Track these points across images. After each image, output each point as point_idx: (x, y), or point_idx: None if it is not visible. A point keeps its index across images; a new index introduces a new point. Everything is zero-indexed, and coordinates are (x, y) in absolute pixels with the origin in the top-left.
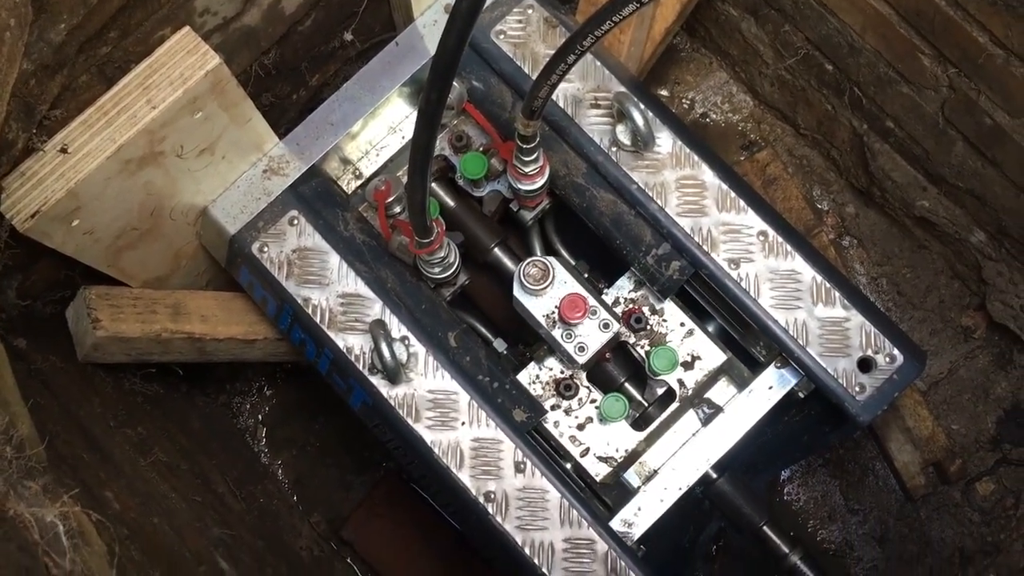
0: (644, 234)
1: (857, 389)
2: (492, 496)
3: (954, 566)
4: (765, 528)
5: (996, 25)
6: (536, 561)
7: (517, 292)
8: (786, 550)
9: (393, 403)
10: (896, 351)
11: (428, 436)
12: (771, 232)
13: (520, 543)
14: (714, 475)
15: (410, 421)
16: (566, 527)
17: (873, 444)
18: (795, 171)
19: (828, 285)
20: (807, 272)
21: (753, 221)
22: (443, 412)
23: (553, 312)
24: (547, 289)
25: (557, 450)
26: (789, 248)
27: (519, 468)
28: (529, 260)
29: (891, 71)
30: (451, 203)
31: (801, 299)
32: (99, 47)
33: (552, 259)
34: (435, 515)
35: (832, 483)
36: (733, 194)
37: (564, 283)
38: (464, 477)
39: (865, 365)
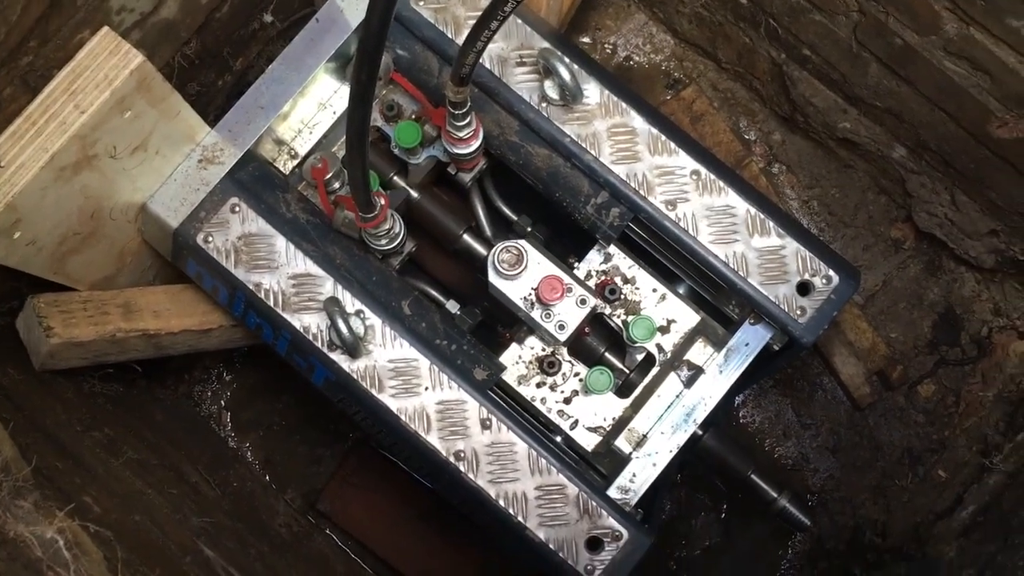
0: (582, 185)
1: (798, 312)
2: (462, 455)
3: (904, 466)
4: (752, 476)
5: None
6: (511, 511)
7: (492, 278)
8: (774, 495)
9: (355, 376)
10: (831, 272)
11: (393, 404)
12: (703, 171)
13: (494, 496)
14: (700, 432)
15: (374, 392)
16: (536, 475)
17: (819, 361)
18: (720, 105)
19: (762, 216)
20: (741, 205)
21: (685, 162)
22: (405, 380)
23: (530, 294)
24: (522, 273)
25: (547, 425)
26: (722, 184)
27: (485, 425)
28: (501, 246)
29: (802, 0)
30: (415, 195)
31: (738, 232)
32: (20, 58)
33: (523, 242)
34: (408, 478)
35: (784, 402)
36: (663, 137)
37: (538, 264)
38: (433, 440)
39: (803, 289)
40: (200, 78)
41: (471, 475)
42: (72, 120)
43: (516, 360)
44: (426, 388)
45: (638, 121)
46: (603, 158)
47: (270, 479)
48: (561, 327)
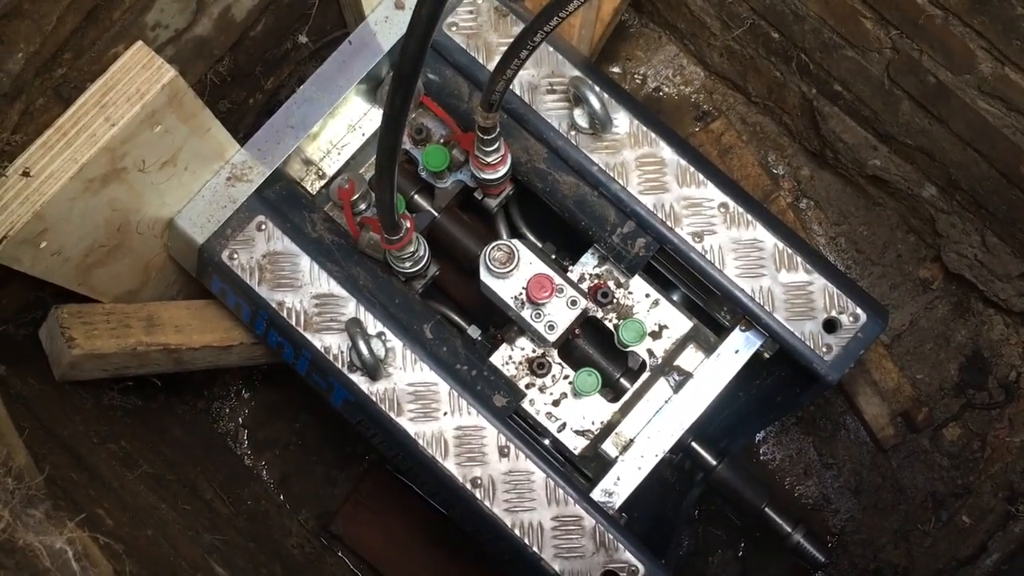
0: (608, 214)
1: (824, 350)
2: (479, 482)
3: (927, 511)
4: (767, 510)
5: None
6: (526, 541)
7: (484, 276)
8: (788, 529)
9: (375, 399)
10: (859, 310)
11: (411, 428)
12: (731, 203)
13: (509, 525)
14: (713, 462)
15: (393, 415)
16: (553, 506)
17: (842, 399)
18: (749, 138)
19: (789, 251)
20: (769, 240)
21: (713, 194)
22: (424, 404)
23: (521, 293)
24: (513, 271)
25: (535, 427)
26: (750, 218)
27: (503, 452)
28: (494, 244)
29: (835, 36)
30: (435, 214)
31: (765, 266)
32: (54, 69)
33: (516, 241)
34: (422, 502)
35: (806, 440)
36: (692, 169)
37: (529, 264)
38: (450, 466)
39: (830, 326)
40: (231, 96)
41: (487, 503)
42: (102, 132)
43: (506, 361)
44: (445, 413)
45: (667, 152)
46: (631, 188)
47: (284, 499)
48: (551, 327)
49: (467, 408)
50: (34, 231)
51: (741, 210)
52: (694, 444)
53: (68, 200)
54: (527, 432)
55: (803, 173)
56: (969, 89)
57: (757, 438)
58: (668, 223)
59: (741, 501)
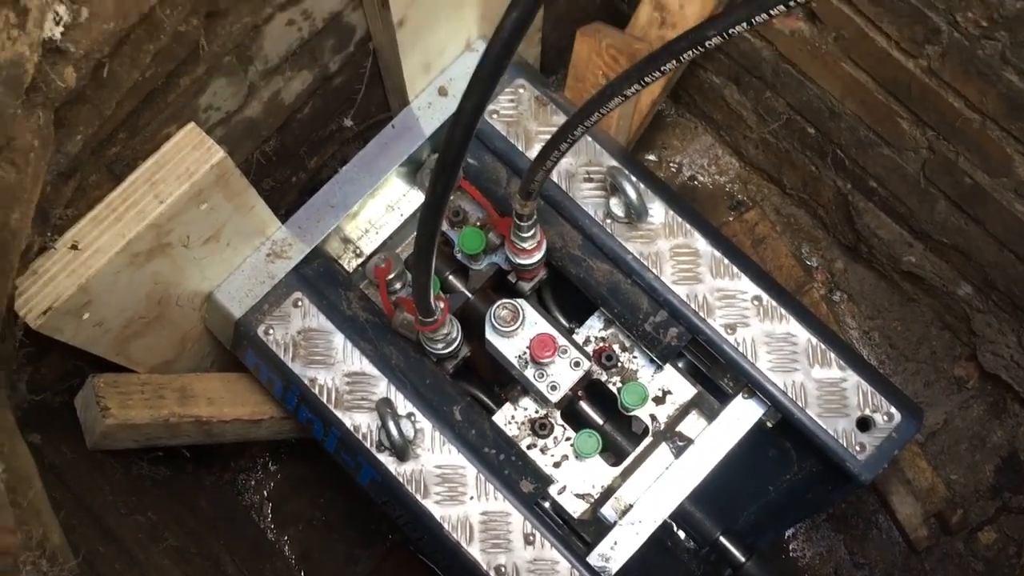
0: (641, 302)
1: (857, 448)
2: (503, 570)
3: None
4: None
5: (971, 91)
6: None
7: (489, 334)
8: None
9: (402, 480)
10: (893, 409)
11: (437, 511)
12: (765, 297)
13: None
14: (742, 558)
15: (419, 497)
16: None
17: (875, 498)
18: (783, 229)
19: (823, 347)
20: (802, 335)
21: (747, 286)
22: (451, 487)
23: (525, 353)
24: (518, 330)
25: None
26: (783, 312)
27: (528, 540)
28: (499, 303)
29: (871, 134)
30: (469, 295)
31: (798, 361)
32: (109, 148)
33: (522, 301)
34: None
35: (836, 538)
36: (726, 261)
37: (534, 324)
38: (474, 551)
39: (864, 424)
40: (275, 174)
41: None
42: (151, 209)
43: (508, 420)
44: (471, 497)
45: (701, 243)
46: (664, 277)
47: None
48: (553, 388)
49: (494, 493)
50: (78, 303)
51: (775, 304)
52: (722, 539)
53: (113, 273)
54: (554, 520)
55: (837, 266)
56: (1006, 192)
57: (787, 534)
58: (701, 314)
59: None
